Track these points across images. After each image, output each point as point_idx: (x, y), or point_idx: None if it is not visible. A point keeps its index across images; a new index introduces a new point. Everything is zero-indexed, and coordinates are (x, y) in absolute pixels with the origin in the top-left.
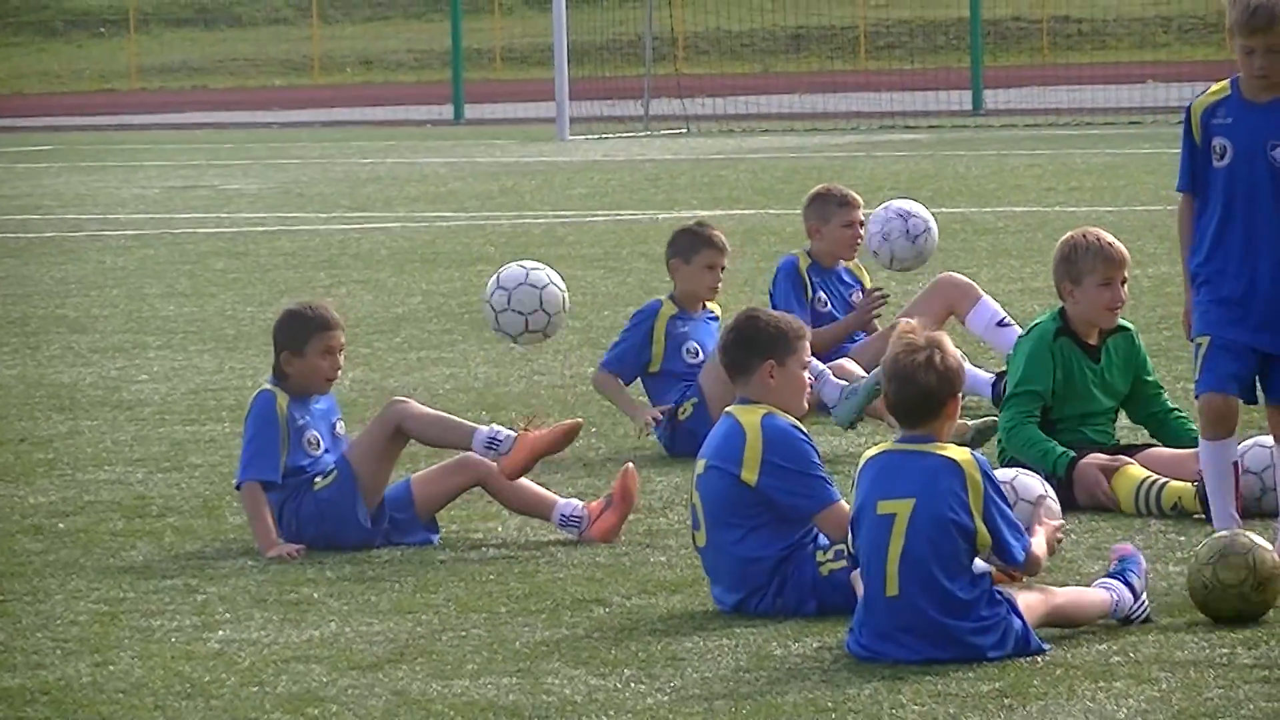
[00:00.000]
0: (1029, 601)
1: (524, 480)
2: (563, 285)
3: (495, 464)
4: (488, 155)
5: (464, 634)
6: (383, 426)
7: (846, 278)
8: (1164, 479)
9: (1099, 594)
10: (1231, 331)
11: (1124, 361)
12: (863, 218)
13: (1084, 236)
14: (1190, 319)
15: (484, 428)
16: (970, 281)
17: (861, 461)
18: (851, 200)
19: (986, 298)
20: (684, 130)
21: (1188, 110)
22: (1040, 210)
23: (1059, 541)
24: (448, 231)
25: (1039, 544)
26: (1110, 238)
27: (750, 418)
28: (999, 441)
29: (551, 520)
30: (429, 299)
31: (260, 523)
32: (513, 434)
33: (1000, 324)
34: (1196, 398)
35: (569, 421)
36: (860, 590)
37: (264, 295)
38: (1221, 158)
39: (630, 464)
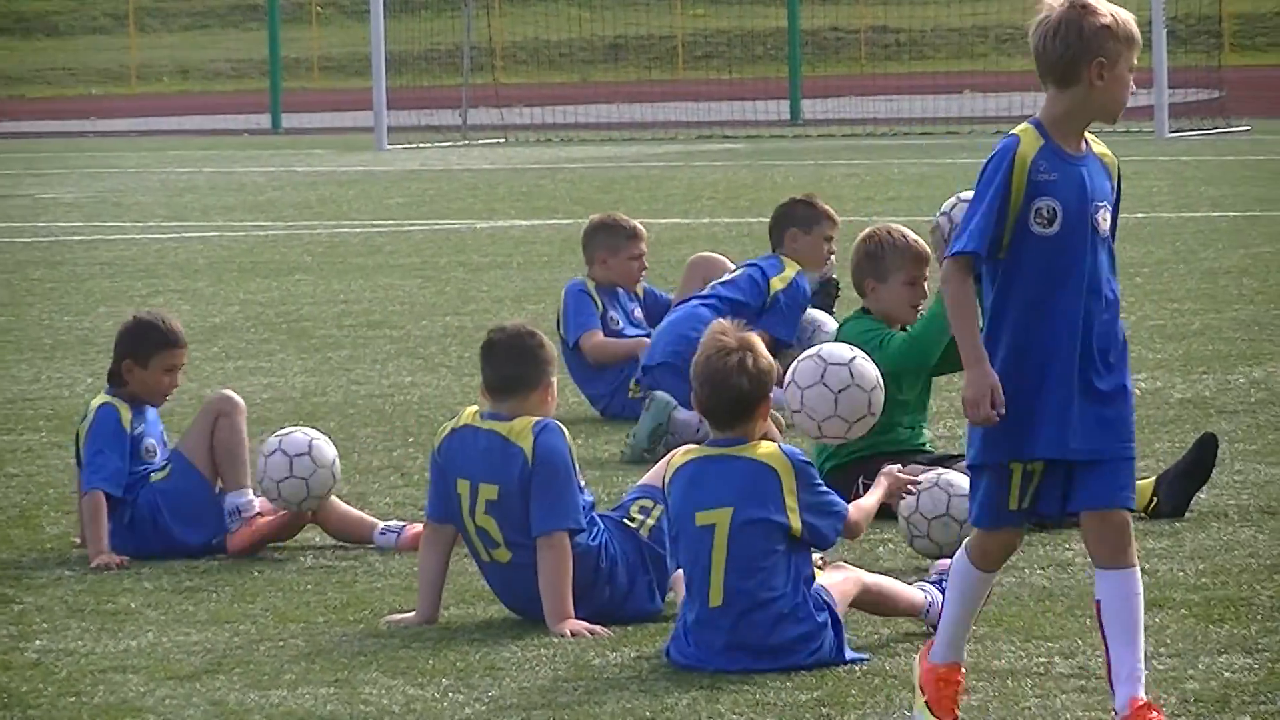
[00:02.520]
0: (842, 587)
1: (345, 507)
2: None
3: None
4: (305, 165)
5: (282, 644)
6: (209, 419)
7: (628, 297)
8: None
9: (914, 591)
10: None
11: None
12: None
13: (889, 234)
14: (983, 408)
15: (246, 493)
16: (722, 258)
17: (670, 469)
18: (640, 232)
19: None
20: (502, 140)
21: (1009, 156)
22: (858, 220)
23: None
24: (265, 241)
25: (861, 506)
26: (914, 235)
27: (525, 440)
28: None
29: (372, 540)
30: (246, 308)
31: (96, 531)
32: (255, 508)
33: None
34: (989, 527)
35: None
36: (680, 594)
37: (81, 305)
38: (1050, 223)
39: None
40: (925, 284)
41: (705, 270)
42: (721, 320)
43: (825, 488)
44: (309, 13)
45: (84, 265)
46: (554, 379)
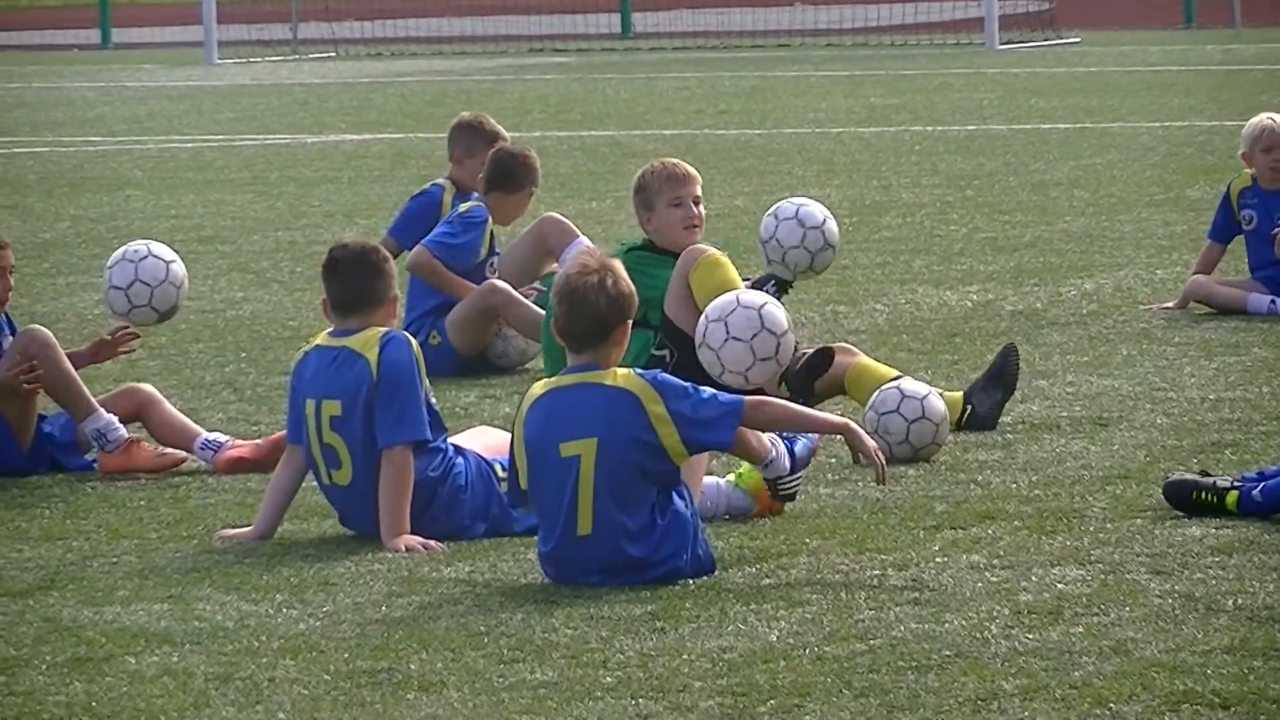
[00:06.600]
0: (695, 478)
1: (174, 412)
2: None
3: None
4: (135, 79)
5: (115, 560)
6: (19, 361)
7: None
8: None
9: (764, 440)
10: None
11: None
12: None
13: (650, 165)
14: None
15: (102, 416)
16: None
17: (528, 401)
18: (501, 136)
19: (583, 239)
20: (332, 54)
21: None
22: (689, 133)
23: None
24: (95, 156)
25: (787, 405)
26: (676, 160)
27: (371, 351)
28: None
29: (192, 450)
30: (77, 224)
31: None
32: (122, 435)
33: None
34: None
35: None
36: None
37: None
38: None
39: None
40: (699, 206)
41: (550, 235)
42: (590, 245)
43: (695, 389)
44: None
45: None
46: (396, 294)
